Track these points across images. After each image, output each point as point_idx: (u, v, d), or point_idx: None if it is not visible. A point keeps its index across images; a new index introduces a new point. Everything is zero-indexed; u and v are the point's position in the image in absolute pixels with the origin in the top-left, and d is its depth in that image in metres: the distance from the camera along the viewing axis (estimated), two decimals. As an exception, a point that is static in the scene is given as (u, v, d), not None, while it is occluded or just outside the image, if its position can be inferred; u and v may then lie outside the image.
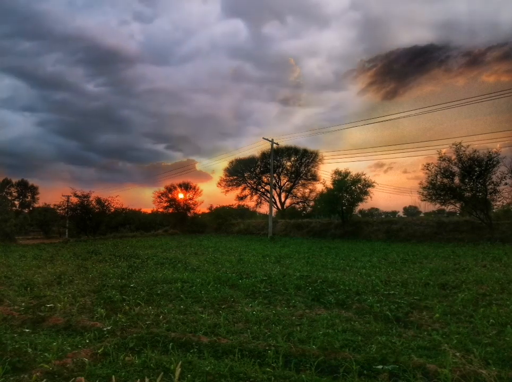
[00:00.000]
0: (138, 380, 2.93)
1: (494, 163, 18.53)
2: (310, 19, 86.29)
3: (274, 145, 29.74)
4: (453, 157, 19.41)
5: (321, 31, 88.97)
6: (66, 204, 29.93)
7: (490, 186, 19.01)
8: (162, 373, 2.90)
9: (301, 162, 39.24)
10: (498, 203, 19.99)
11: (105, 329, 4.35)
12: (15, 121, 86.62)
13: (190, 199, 35.51)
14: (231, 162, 39.47)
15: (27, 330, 4.41)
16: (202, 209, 36.87)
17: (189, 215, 35.19)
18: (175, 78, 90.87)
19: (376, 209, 53.50)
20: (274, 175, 37.53)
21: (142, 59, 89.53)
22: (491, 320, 4.62)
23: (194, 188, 35.83)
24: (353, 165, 74.67)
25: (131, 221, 37.51)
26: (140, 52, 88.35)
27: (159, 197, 35.10)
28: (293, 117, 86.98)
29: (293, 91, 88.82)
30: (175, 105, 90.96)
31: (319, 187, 34.23)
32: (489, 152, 18.63)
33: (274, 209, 34.17)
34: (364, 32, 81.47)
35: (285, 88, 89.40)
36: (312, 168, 39.26)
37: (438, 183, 19.99)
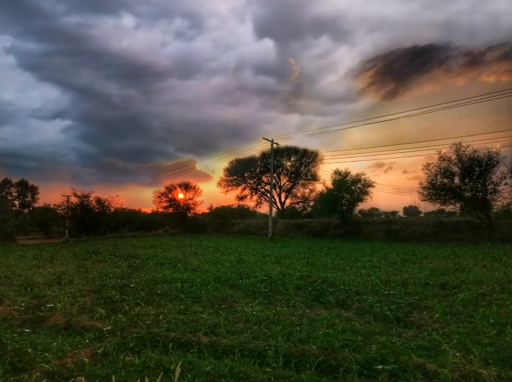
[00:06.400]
0: (138, 380, 2.93)
1: (494, 163, 18.54)
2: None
3: (274, 145, 29.77)
4: (453, 157, 19.44)
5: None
6: (66, 204, 29.96)
7: (490, 186, 19.01)
8: (162, 373, 2.90)
9: (301, 162, 39.17)
10: (498, 203, 20.04)
11: (105, 329, 4.35)
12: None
13: (190, 199, 35.58)
14: (231, 162, 39.43)
15: (27, 330, 4.41)
16: (202, 209, 36.93)
17: (189, 215, 35.21)
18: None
19: (376, 209, 53.37)
20: (274, 175, 37.47)
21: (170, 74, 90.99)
22: (491, 320, 4.62)
23: (194, 188, 35.93)
24: (353, 165, 74.50)
25: (131, 221, 37.56)
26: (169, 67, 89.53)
27: (159, 197, 35.20)
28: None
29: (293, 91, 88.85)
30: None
31: (319, 187, 34.15)
32: (489, 152, 18.65)
33: (274, 209, 34.17)
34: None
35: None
36: (312, 168, 39.20)
37: (438, 183, 19.99)
